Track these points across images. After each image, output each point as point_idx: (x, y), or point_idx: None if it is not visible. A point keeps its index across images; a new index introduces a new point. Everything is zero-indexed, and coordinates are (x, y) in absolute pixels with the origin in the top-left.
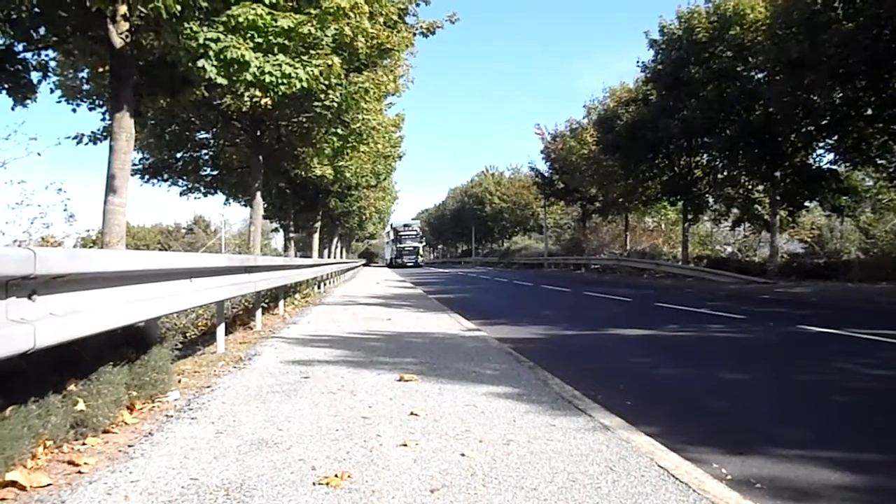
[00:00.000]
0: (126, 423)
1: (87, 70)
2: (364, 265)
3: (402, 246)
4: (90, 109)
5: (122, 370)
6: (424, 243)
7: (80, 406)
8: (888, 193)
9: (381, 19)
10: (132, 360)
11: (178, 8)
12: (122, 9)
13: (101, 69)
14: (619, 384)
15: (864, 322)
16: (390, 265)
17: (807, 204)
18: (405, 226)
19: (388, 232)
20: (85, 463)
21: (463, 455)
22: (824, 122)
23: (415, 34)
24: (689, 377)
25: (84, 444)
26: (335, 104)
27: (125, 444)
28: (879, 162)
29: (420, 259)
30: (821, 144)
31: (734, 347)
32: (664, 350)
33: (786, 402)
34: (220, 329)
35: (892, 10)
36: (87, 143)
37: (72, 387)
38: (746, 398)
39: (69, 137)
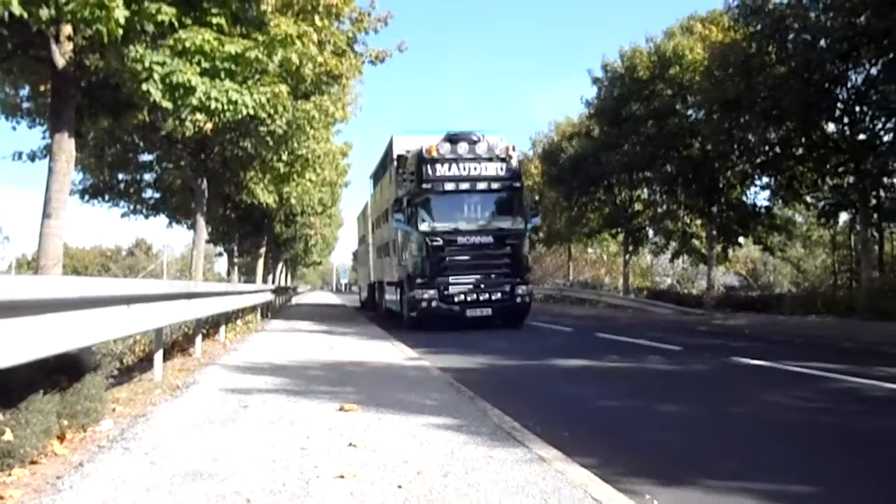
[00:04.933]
0: (56, 454)
1: (27, 88)
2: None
3: (444, 237)
4: (30, 128)
5: (54, 398)
6: (537, 221)
7: (7, 436)
8: (817, 230)
9: (330, 47)
10: (64, 387)
11: (120, 32)
12: (67, 29)
13: (42, 87)
14: (558, 415)
15: (793, 354)
16: (407, 311)
17: (741, 240)
18: (453, 141)
19: (394, 172)
20: (10, 496)
21: (400, 487)
22: (759, 161)
23: (364, 62)
24: (627, 408)
25: (10, 475)
26: (280, 130)
27: (53, 476)
28: (810, 201)
29: (525, 292)
30: (757, 182)
31: (671, 379)
32: (604, 381)
33: (719, 434)
34: (158, 356)
35: (821, 57)
36: (25, 161)
37: None
38: (681, 429)
39: (6, 157)
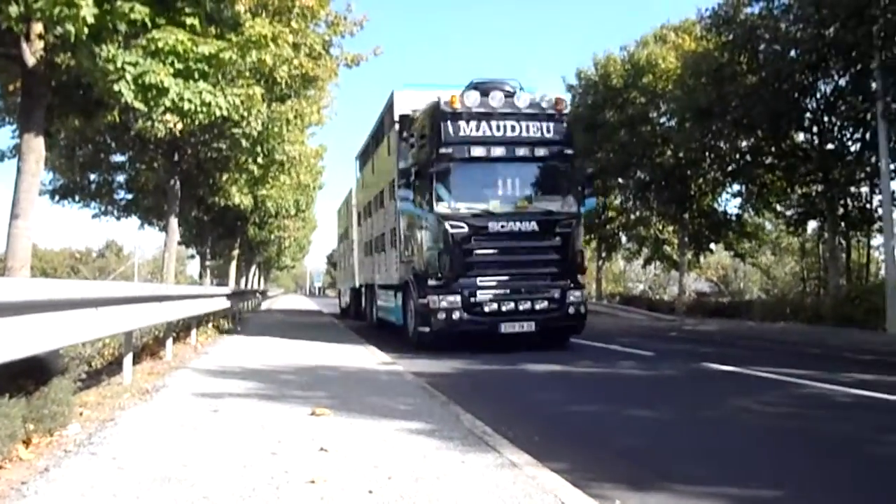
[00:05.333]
0: (21, 459)
1: None
2: None
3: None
4: None
5: (19, 402)
6: (594, 203)
7: None
8: (786, 238)
9: (306, 49)
10: (30, 391)
11: (86, 31)
12: (38, 27)
13: (11, 87)
14: (530, 420)
15: (762, 360)
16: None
17: (712, 246)
18: (484, 91)
19: (395, 138)
20: None
21: (371, 492)
22: (730, 169)
23: (339, 65)
24: (599, 413)
25: None
26: (255, 132)
27: (18, 482)
28: (779, 209)
29: (579, 299)
30: (728, 190)
31: (643, 384)
32: (576, 386)
33: (689, 439)
34: (128, 359)
35: (790, 67)
36: None
37: None
38: (652, 434)
39: None
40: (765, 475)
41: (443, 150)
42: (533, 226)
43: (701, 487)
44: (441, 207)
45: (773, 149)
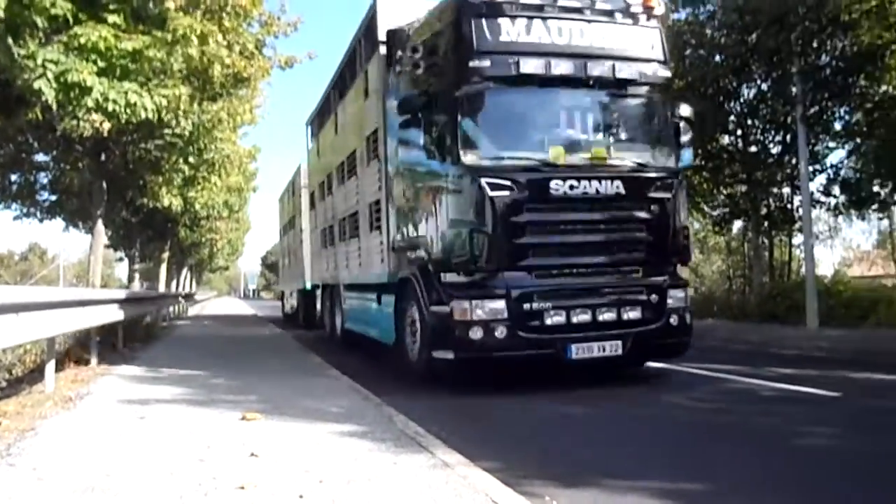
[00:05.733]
0: None
1: None
2: None
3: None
4: None
5: None
6: (690, 157)
7: None
8: (713, 237)
9: (238, 48)
10: None
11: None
12: None
13: None
14: (462, 420)
15: (691, 357)
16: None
17: None
18: None
19: (379, 66)
20: None
21: (301, 497)
22: None
23: (272, 66)
24: (530, 411)
25: None
26: (186, 132)
27: None
28: (706, 209)
29: (682, 302)
30: None
31: (575, 382)
32: (507, 384)
33: (620, 435)
34: (50, 366)
35: (715, 72)
36: None
37: None
38: (583, 432)
39: None
40: (695, 470)
41: (474, 64)
42: (616, 187)
43: (632, 482)
44: (471, 157)
45: (699, 151)
